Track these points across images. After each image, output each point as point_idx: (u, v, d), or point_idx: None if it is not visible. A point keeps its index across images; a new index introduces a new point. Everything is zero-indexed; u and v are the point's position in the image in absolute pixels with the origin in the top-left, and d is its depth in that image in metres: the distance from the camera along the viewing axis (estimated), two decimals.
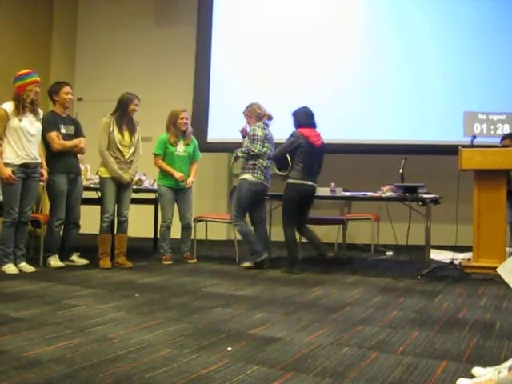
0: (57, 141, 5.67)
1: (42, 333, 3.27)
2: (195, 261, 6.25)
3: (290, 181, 5.85)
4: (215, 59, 8.29)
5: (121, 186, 5.89)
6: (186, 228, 6.27)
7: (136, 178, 6.21)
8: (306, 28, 8.02)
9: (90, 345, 3.04)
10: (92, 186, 6.24)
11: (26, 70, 5.42)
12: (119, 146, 5.84)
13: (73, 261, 5.93)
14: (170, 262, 6.11)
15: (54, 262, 5.73)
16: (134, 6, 9.27)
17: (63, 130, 5.76)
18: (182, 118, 6.17)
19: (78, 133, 5.90)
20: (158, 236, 6.45)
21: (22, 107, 5.29)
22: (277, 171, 6.01)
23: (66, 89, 5.79)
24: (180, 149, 6.21)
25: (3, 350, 2.93)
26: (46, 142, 5.68)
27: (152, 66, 9.05)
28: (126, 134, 5.90)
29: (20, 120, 5.29)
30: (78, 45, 9.66)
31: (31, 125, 5.38)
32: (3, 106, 5.30)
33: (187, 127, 6.26)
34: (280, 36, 8.09)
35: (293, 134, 5.97)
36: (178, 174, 6.12)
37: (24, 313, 3.77)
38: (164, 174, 6.18)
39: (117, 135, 5.83)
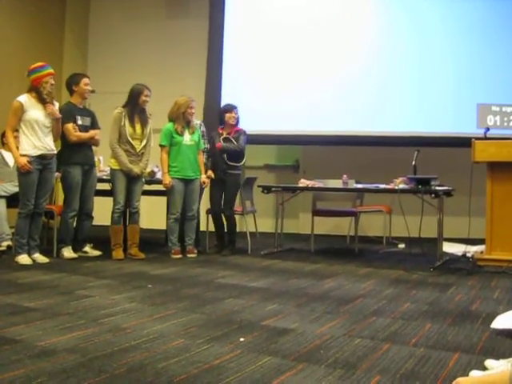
0: (73, 132, 5.70)
1: (56, 323, 3.30)
2: (195, 255, 6.09)
3: (240, 171, 6.54)
4: (227, 51, 8.29)
5: (132, 178, 5.90)
6: (190, 219, 6.14)
7: (148, 170, 6.22)
8: (318, 20, 7.99)
9: (104, 335, 3.07)
10: (105, 177, 6.25)
11: (41, 63, 5.46)
12: (130, 139, 5.84)
13: (86, 252, 5.97)
14: (180, 256, 6.03)
15: (68, 253, 5.77)
16: None
17: (80, 122, 5.78)
18: (191, 108, 6.07)
19: (94, 124, 5.93)
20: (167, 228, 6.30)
21: (39, 99, 5.34)
22: (229, 162, 6.37)
23: (86, 80, 5.85)
24: (187, 138, 6.06)
25: (18, 339, 2.96)
26: (62, 133, 5.71)
27: (164, 59, 9.04)
28: (138, 127, 5.91)
29: (38, 112, 5.33)
30: (90, 37, 9.67)
31: (46, 117, 5.42)
32: (18, 99, 5.35)
33: (193, 117, 6.18)
34: (292, 28, 8.07)
35: (245, 133, 6.51)
36: (166, 180, 5.98)
37: (38, 303, 3.81)
38: (173, 165, 6.03)
39: (128, 128, 5.84)
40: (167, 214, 6.35)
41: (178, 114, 6.05)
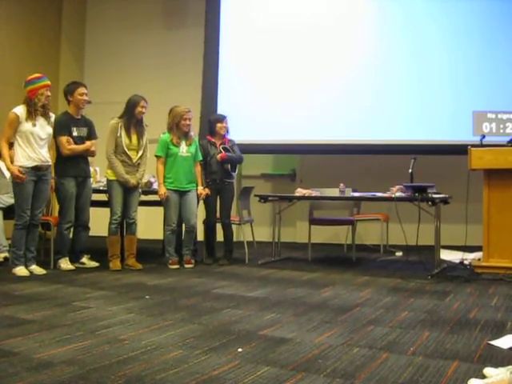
0: (66, 146, 5.65)
1: (54, 335, 3.29)
2: (192, 266, 6.04)
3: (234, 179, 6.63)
4: (223, 61, 8.30)
5: (128, 189, 5.89)
6: (189, 231, 6.10)
7: (145, 180, 6.21)
8: (315, 28, 8.01)
9: (101, 346, 3.06)
10: (101, 188, 6.25)
11: (37, 75, 5.45)
12: (126, 150, 5.83)
13: (83, 263, 5.95)
14: (177, 266, 6.01)
15: (65, 264, 5.74)
16: (143, 8, 9.29)
17: (75, 133, 5.73)
18: (185, 119, 5.99)
19: (91, 134, 5.89)
20: (164, 239, 6.29)
21: (33, 111, 5.33)
22: (231, 172, 6.43)
23: (81, 89, 5.74)
24: (183, 149, 6.00)
25: (15, 351, 2.95)
26: (57, 145, 5.69)
27: (161, 68, 9.06)
28: (134, 138, 5.90)
29: (33, 125, 5.32)
30: (86, 46, 9.70)
31: (42, 129, 5.41)
32: (15, 110, 5.33)
33: (190, 128, 6.08)
34: (288, 36, 8.09)
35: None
36: (162, 191, 5.95)
37: (35, 315, 3.79)
38: (168, 176, 5.99)
39: (124, 139, 5.83)
40: (164, 224, 6.33)
41: (171, 124, 6.03)
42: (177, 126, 5.99)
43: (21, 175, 5.28)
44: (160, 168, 6.02)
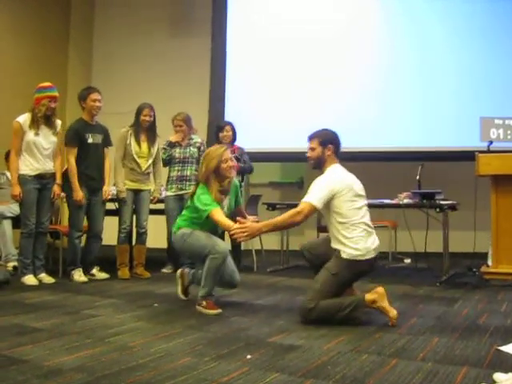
0: (72, 163, 5.57)
1: (63, 342, 3.30)
2: None
3: None
4: (230, 69, 8.33)
5: (139, 198, 5.90)
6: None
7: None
8: (321, 36, 8.02)
9: (110, 354, 3.06)
10: (110, 197, 6.23)
11: (47, 84, 5.42)
12: (136, 158, 5.85)
13: (93, 275, 5.79)
14: (220, 311, 4.19)
15: (78, 276, 5.59)
16: (150, 16, 9.32)
17: (90, 140, 5.63)
18: (226, 161, 4.31)
19: (107, 142, 5.83)
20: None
21: (35, 120, 5.32)
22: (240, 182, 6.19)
23: (94, 95, 5.61)
24: (224, 207, 4.42)
25: (25, 359, 2.96)
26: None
27: (168, 76, 9.09)
28: (144, 145, 5.91)
29: (36, 134, 5.32)
30: (94, 54, 9.75)
31: (45, 138, 5.40)
32: (18, 119, 5.32)
33: (234, 171, 4.50)
34: (295, 44, 8.11)
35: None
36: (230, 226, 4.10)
37: (44, 323, 3.81)
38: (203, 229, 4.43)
39: (134, 146, 5.85)
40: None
41: (207, 175, 4.29)
42: (216, 173, 4.30)
43: (17, 198, 5.32)
44: (221, 219, 4.22)
